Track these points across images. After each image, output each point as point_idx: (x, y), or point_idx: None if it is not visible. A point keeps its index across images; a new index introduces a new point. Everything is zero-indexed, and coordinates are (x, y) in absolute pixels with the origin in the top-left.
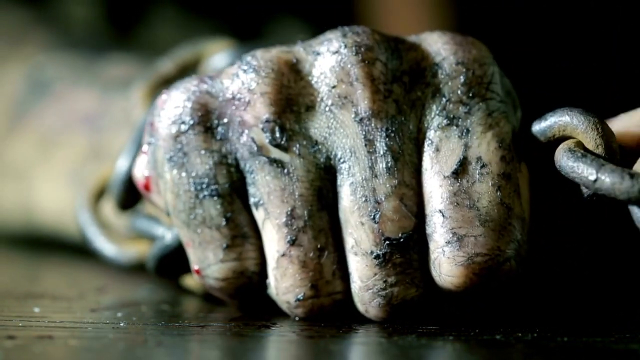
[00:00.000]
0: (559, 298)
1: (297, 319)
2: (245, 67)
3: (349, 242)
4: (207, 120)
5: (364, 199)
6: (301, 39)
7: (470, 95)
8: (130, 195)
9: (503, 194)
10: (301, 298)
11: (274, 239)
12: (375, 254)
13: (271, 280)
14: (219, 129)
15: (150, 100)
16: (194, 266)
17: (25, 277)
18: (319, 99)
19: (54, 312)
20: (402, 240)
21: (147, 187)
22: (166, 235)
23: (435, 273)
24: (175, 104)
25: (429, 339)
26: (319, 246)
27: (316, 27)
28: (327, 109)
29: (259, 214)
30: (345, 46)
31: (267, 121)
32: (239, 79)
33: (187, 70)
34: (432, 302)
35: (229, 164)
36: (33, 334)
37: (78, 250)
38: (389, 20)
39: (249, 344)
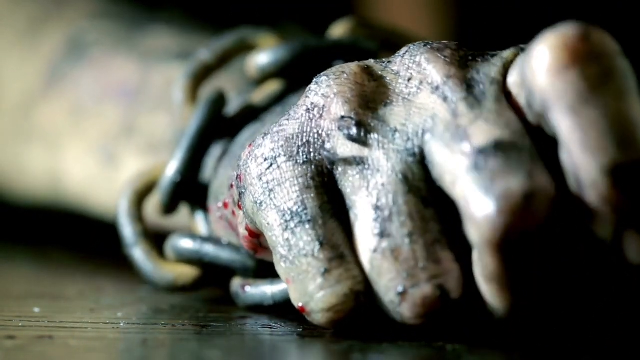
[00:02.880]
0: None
1: (405, 322)
2: (316, 80)
3: (448, 180)
4: (287, 148)
5: (450, 136)
6: None
7: None
8: (176, 201)
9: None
10: (400, 291)
11: (364, 239)
12: (467, 167)
13: (372, 286)
14: (300, 151)
15: (194, 93)
16: (298, 304)
17: (25, 277)
18: (395, 94)
19: (54, 312)
20: (492, 145)
21: (253, 235)
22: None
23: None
24: (259, 146)
25: (429, 339)
26: (407, 231)
27: (317, 33)
28: (404, 100)
29: (352, 220)
30: (415, 45)
31: (342, 118)
32: (311, 91)
33: (229, 58)
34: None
35: (318, 184)
36: (33, 334)
37: (81, 251)
38: (388, 20)
39: (249, 344)
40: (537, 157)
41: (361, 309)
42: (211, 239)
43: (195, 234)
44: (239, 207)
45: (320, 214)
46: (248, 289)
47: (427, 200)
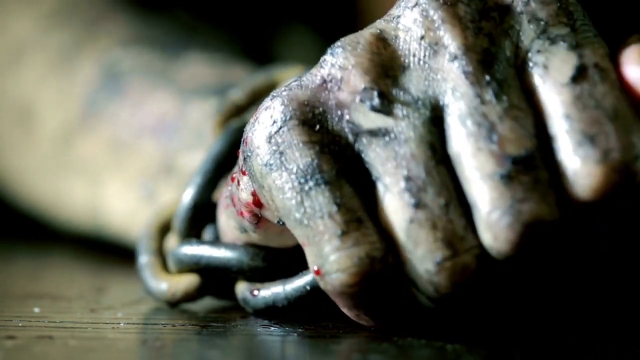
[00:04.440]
0: (558, 298)
1: (439, 292)
2: (331, 51)
3: (468, 174)
4: (300, 113)
5: (476, 125)
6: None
7: (570, 18)
8: (195, 227)
9: (626, 94)
10: (439, 261)
11: (397, 209)
12: (499, 174)
13: (405, 255)
14: (315, 119)
15: (220, 136)
16: (313, 267)
17: (25, 277)
18: (411, 57)
19: (54, 312)
20: (525, 156)
21: (258, 204)
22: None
23: (570, 182)
24: (266, 109)
25: (429, 339)
26: (444, 202)
27: (323, 33)
28: (420, 62)
29: (379, 191)
30: None
31: (364, 90)
32: (326, 62)
33: (259, 97)
34: (567, 228)
35: (333, 151)
36: (33, 334)
37: (81, 251)
38: None
39: (249, 344)
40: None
41: (375, 276)
42: (208, 241)
43: (193, 239)
44: (243, 173)
45: (336, 178)
46: (258, 292)
47: (449, 167)
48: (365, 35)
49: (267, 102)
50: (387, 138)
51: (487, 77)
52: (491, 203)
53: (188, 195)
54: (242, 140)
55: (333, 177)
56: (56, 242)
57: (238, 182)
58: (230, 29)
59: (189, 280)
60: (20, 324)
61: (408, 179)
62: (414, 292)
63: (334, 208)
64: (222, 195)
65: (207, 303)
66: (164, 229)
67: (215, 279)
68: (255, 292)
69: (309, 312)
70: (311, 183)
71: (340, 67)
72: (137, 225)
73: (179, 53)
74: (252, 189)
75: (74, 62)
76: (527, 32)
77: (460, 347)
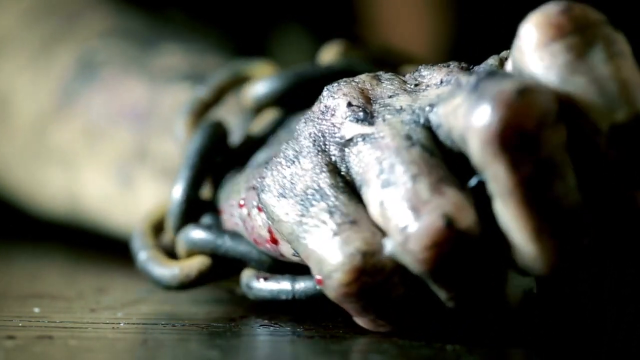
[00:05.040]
0: (558, 298)
1: (420, 263)
2: (328, 86)
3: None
4: (306, 146)
5: (451, 92)
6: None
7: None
8: (189, 221)
9: None
10: (404, 226)
11: (373, 196)
12: (470, 85)
13: (387, 236)
14: (316, 144)
15: (194, 129)
16: (316, 277)
17: (25, 277)
18: (401, 90)
19: (54, 312)
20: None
21: (274, 241)
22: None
23: None
24: (286, 150)
25: (429, 339)
26: (410, 175)
27: (319, 33)
28: (410, 92)
29: (362, 192)
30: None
31: (350, 108)
32: (324, 96)
33: (225, 93)
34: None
35: (330, 170)
36: (33, 334)
37: (81, 250)
38: (390, 26)
39: (249, 344)
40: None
41: (370, 271)
42: (227, 232)
43: (209, 226)
44: (259, 209)
45: (332, 191)
46: (265, 281)
47: (433, 152)
48: (362, 75)
49: (286, 145)
50: (367, 140)
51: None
52: (468, 110)
53: (178, 191)
54: (256, 177)
55: (329, 190)
56: (56, 242)
57: (249, 214)
58: (226, 28)
59: (201, 261)
60: (20, 324)
61: (380, 165)
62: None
63: (327, 215)
64: (228, 209)
65: (207, 303)
66: (157, 228)
67: (222, 264)
68: (261, 280)
69: (308, 310)
70: (311, 200)
71: (333, 97)
72: (113, 211)
73: (155, 43)
74: (268, 226)
75: (52, 54)
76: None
77: (460, 347)
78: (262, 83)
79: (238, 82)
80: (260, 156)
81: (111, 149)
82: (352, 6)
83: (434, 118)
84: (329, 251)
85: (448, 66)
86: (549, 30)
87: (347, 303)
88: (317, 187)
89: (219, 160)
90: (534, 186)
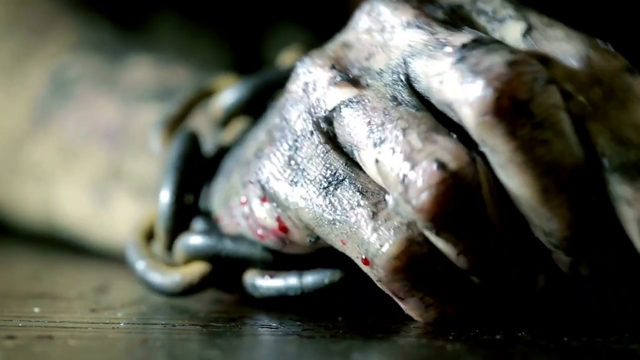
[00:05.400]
0: (558, 298)
1: (423, 213)
2: (300, 63)
3: (435, 82)
4: (302, 130)
5: (430, 47)
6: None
7: (510, 2)
8: (180, 224)
9: None
10: (402, 177)
11: (366, 156)
12: (454, 61)
13: (387, 193)
14: (307, 124)
15: (170, 140)
16: (359, 259)
17: (25, 277)
18: (373, 47)
19: (54, 312)
20: (474, 39)
21: (283, 229)
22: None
23: None
24: (279, 141)
25: (429, 339)
26: (400, 128)
27: (314, 32)
28: (382, 47)
29: (357, 159)
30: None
31: (331, 75)
32: (298, 74)
33: (192, 107)
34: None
35: (333, 148)
36: (33, 334)
37: (81, 251)
38: None
39: (249, 344)
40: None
41: (418, 242)
42: (226, 235)
43: (208, 230)
44: (264, 200)
45: (349, 169)
46: (271, 278)
47: (418, 108)
48: (329, 45)
49: (278, 132)
50: (353, 104)
51: (441, 17)
52: (458, 80)
53: (166, 194)
54: (255, 171)
55: (347, 169)
56: (56, 242)
57: (252, 209)
58: (220, 28)
59: (201, 267)
60: (20, 324)
61: (369, 125)
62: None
63: (359, 196)
64: (227, 212)
65: (207, 303)
66: (148, 237)
67: (221, 269)
68: (267, 278)
69: (315, 306)
70: (334, 183)
71: (310, 71)
72: (90, 229)
73: (124, 55)
74: (277, 215)
75: (24, 68)
76: (479, 22)
77: (460, 347)
78: (228, 92)
79: (204, 96)
80: (239, 155)
81: (86, 167)
82: (347, 4)
83: (411, 73)
84: (372, 231)
85: (410, 3)
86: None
87: (396, 281)
88: (332, 169)
89: (195, 170)
90: (533, 148)
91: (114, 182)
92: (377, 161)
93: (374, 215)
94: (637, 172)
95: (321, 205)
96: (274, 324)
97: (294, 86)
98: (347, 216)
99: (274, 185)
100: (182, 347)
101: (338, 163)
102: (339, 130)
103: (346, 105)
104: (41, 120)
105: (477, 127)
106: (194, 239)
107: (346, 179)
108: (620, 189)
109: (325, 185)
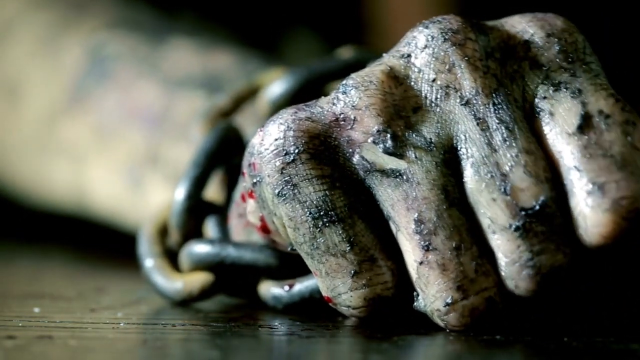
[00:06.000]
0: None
1: (448, 329)
2: (343, 89)
3: (485, 222)
4: (312, 146)
5: (489, 175)
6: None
7: (570, 60)
8: (192, 220)
9: (634, 139)
10: (450, 302)
11: (409, 250)
12: (514, 226)
13: (419, 292)
14: (327, 153)
15: (209, 133)
16: (324, 294)
17: (25, 277)
18: (423, 97)
19: (54, 312)
20: (537, 208)
21: (265, 230)
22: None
23: (581, 230)
24: (275, 137)
25: (429, 339)
26: (454, 245)
27: (329, 38)
28: (432, 104)
29: (391, 228)
30: (433, 37)
31: (378, 132)
32: (339, 100)
33: (243, 102)
34: (580, 269)
35: (344, 187)
36: (33, 334)
37: (81, 250)
38: (396, 28)
39: (249, 344)
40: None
41: (389, 307)
42: (230, 241)
43: (212, 239)
44: (250, 196)
45: (349, 214)
46: (291, 287)
47: (468, 212)
48: (376, 73)
49: (274, 129)
50: (399, 180)
51: (497, 121)
52: (509, 255)
53: (182, 190)
54: (247, 163)
55: (346, 213)
56: (56, 242)
57: (243, 197)
58: (237, 32)
59: (204, 278)
60: (20, 324)
61: (419, 221)
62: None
63: (347, 247)
64: (235, 209)
65: (207, 303)
66: (163, 232)
67: (228, 275)
68: (287, 288)
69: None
70: (325, 219)
71: (354, 107)
72: (122, 211)
73: (164, 37)
74: (260, 215)
75: (61, 42)
76: (531, 78)
77: (460, 347)
78: (276, 84)
79: (254, 90)
80: None
81: (122, 149)
82: (360, 11)
83: (462, 175)
84: (347, 289)
85: (468, 58)
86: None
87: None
88: (330, 204)
89: (236, 163)
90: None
91: (150, 167)
92: (421, 264)
93: (355, 275)
94: None
95: (304, 235)
96: (274, 324)
97: (327, 106)
98: (327, 259)
99: (261, 187)
100: (182, 347)
101: (340, 203)
102: (378, 191)
103: (395, 176)
104: (78, 98)
105: (512, 290)
106: (198, 248)
107: (341, 223)
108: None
109: (316, 216)
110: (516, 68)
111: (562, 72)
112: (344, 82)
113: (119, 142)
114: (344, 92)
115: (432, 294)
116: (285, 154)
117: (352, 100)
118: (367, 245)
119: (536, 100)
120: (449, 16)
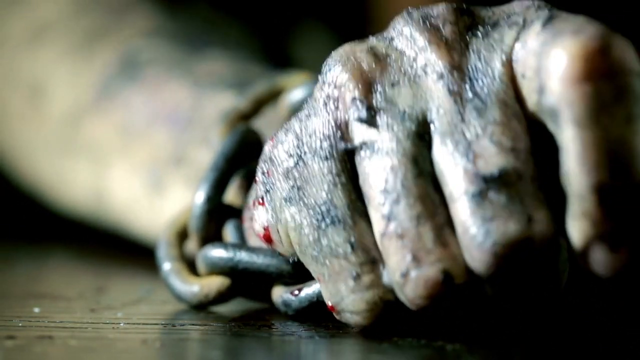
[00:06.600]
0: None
1: (412, 303)
2: (328, 67)
3: (447, 191)
4: (312, 145)
5: (454, 143)
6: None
7: (543, 8)
8: (212, 224)
9: None
10: (404, 272)
11: (374, 222)
12: (470, 193)
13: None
14: (323, 146)
15: (229, 136)
16: (328, 302)
17: (25, 277)
18: (401, 75)
19: (54, 312)
20: (496, 175)
21: (268, 239)
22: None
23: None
24: (284, 144)
25: (429, 339)
26: (415, 214)
27: (338, 31)
28: (410, 81)
29: (367, 208)
30: (413, 20)
31: (352, 101)
32: (325, 83)
33: (263, 105)
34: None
35: (343, 182)
36: (33, 334)
37: (81, 251)
38: None
39: (249, 344)
40: (538, 190)
41: (390, 313)
42: (243, 246)
43: (227, 243)
44: (260, 203)
45: (349, 214)
46: (299, 292)
47: (436, 187)
48: (356, 51)
49: (281, 135)
50: (371, 151)
51: (470, 94)
52: (464, 223)
53: (202, 193)
54: (260, 171)
55: (346, 212)
56: (56, 242)
57: (253, 203)
58: (247, 25)
59: (220, 281)
60: (20, 324)
61: (385, 191)
62: None
63: (349, 248)
64: (247, 213)
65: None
66: (182, 235)
67: (244, 280)
68: (296, 293)
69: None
70: (327, 220)
71: (336, 85)
72: (139, 213)
73: (199, 49)
74: (265, 224)
75: (94, 48)
76: (509, 36)
77: (460, 347)
78: (298, 89)
79: (276, 93)
80: None
81: (146, 149)
82: (368, 3)
83: (432, 143)
84: (349, 292)
85: (445, 38)
86: (583, 68)
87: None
88: (331, 204)
89: (255, 167)
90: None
91: (173, 168)
92: (383, 235)
93: (357, 277)
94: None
95: (308, 236)
96: (274, 324)
97: (318, 93)
98: (329, 262)
99: (271, 194)
100: (182, 347)
101: (340, 202)
102: (359, 170)
103: (367, 147)
104: (105, 97)
105: (476, 270)
106: (213, 252)
107: (342, 223)
108: None
109: (319, 217)
110: (497, 36)
111: (535, 15)
112: (327, 61)
113: (144, 142)
114: (328, 70)
115: (392, 265)
116: (290, 157)
117: (335, 79)
118: (368, 246)
119: (513, 52)
120: (435, 5)
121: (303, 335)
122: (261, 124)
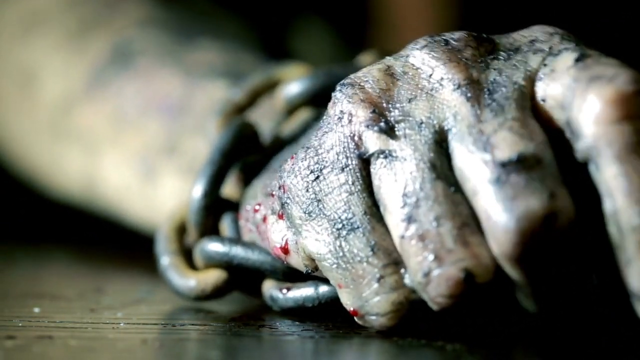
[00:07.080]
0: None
1: (435, 303)
2: (341, 88)
3: (469, 187)
4: (330, 159)
5: (472, 139)
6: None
7: (572, 39)
8: (210, 218)
9: None
10: (427, 272)
11: (393, 226)
12: (491, 180)
13: (407, 269)
14: (339, 158)
15: (225, 130)
16: (350, 308)
17: (25, 277)
18: (418, 91)
19: (54, 312)
20: (515, 159)
21: (285, 251)
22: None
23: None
24: (302, 161)
25: (429, 339)
26: (435, 215)
27: (337, 26)
28: (427, 95)
29: (381, 211)
30: (434, 40)
31: (371, 116)
32: (338, 99)
33: (259, 96)
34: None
35: (359, 190)
36: (33, 334)
37: (81, 250)
38: (404, 19)
39: (249, 344)
40: (558, 174)
41: (415, 312)
42: (240, 241)
43: (224, 237)
44: (280, 216)
45: (367, 219)
46: (287, 291)
47: (456, 189)
48: (373, 72)
49: (301, 153)
50: (388, 160)
51: (488, 100)
52: (487, 210)
53: (200, 188)
54: (277, 186)
55: (365, 218)
56: (56, 242)
57: (264, 218)
58: (246, 19)
59: (217, 275)
60: (20, 324)
61: (404, 195)
62: None
63: (370, 252)
64: (244, 214)
65: (207, 303)
66: (180, 230)
67: (241, 274)
68: (285, 291)
69: (333, 312)
70: (347, 228)
71: (350, 101)
72: (131, 201)
73: (192, 38)
74: (285, 237)
75: (88, 37)
76: (534, 60)
77: (460, 347)
78: (295, 83)
79: (272, 85)
80: (283, 158)
81: (137, 138)
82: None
83: (450, 149)
84: (374, 294)
85: (466, 60)
86: (620, 111)
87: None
88: (349, 212)
89: (252, 160)
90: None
91: (165, 157)
92: (403, 237)
93: (380, 279)
94: None
95: (329, 245)
96: (274, 324)
97: (331, 110)
98: (352, 267)
99: (290, 208)
100: (182, 347)
101: (358, 209)
102: (374, 178)
103: (384, 156)
104: (97, 86)
105: (500, 258)
106: (209, 246)
107: (360, 229)
108: None
109: (339, 226)
110: (519, 59)
111: (565, 44)
112: (342, 81)
113: (135, 131)
114: (341, 90)
115: (413, 266)
116: (310, 172)
117: (348, 98)
118: (389, 248)
119: (539, 73)
120: (458, 32)
121: (303, 335)
122: (257, 115)
